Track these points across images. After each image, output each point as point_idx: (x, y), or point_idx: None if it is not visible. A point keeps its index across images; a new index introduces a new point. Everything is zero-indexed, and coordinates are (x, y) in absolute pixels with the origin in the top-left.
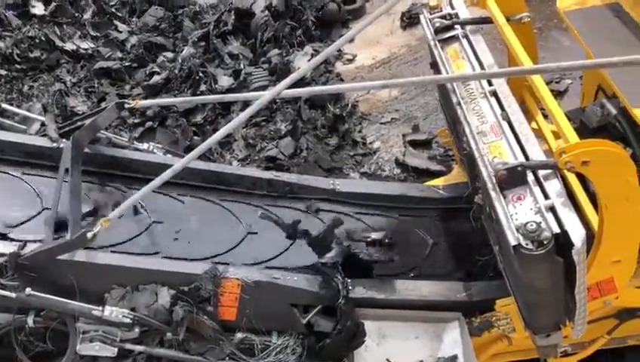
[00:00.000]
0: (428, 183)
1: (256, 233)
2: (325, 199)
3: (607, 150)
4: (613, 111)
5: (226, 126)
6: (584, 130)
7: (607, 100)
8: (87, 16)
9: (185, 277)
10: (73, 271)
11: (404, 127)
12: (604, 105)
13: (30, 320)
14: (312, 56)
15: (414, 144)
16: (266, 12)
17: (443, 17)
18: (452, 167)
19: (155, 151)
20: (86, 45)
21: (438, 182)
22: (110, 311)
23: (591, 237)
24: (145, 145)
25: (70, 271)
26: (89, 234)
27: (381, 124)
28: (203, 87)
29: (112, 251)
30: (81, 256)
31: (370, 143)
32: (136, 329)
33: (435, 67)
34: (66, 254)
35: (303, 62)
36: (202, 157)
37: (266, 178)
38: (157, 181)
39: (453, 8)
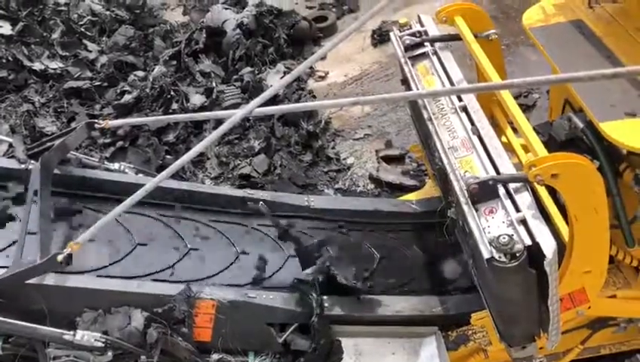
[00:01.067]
0: (401, 198)
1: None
2: (300, 216)
3: (575, 163)
4: (580, 124)
5: (199, 144)
6: (552, 144)
7: (574, 114)
8: (55, 35)
9: (158, 299)
10: (43, 295)
11: (377, 143)
12: (571, 119)
13: None
14: (285, 73)
15: (387, 159)
16: (238, 30)
17: (413, 35)
18: (425, 181)
19: (126, 171)
20: (55, 65)
21: (412, 196)
22: (82, 336)
23: (562, 249)
24: (116, 166)
25: (40, 296)
26: (59, 257)
27: (354, 140)
28: (175, 106)
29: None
30: (50, 279)
31: (344, 159)
32: (110, 353)
33: (405, 83)
34: (35, 278)
35: (275, 80)
36: (175, 176)
37: (240, 196)
38: (129, 201)
39: (422, 26)
